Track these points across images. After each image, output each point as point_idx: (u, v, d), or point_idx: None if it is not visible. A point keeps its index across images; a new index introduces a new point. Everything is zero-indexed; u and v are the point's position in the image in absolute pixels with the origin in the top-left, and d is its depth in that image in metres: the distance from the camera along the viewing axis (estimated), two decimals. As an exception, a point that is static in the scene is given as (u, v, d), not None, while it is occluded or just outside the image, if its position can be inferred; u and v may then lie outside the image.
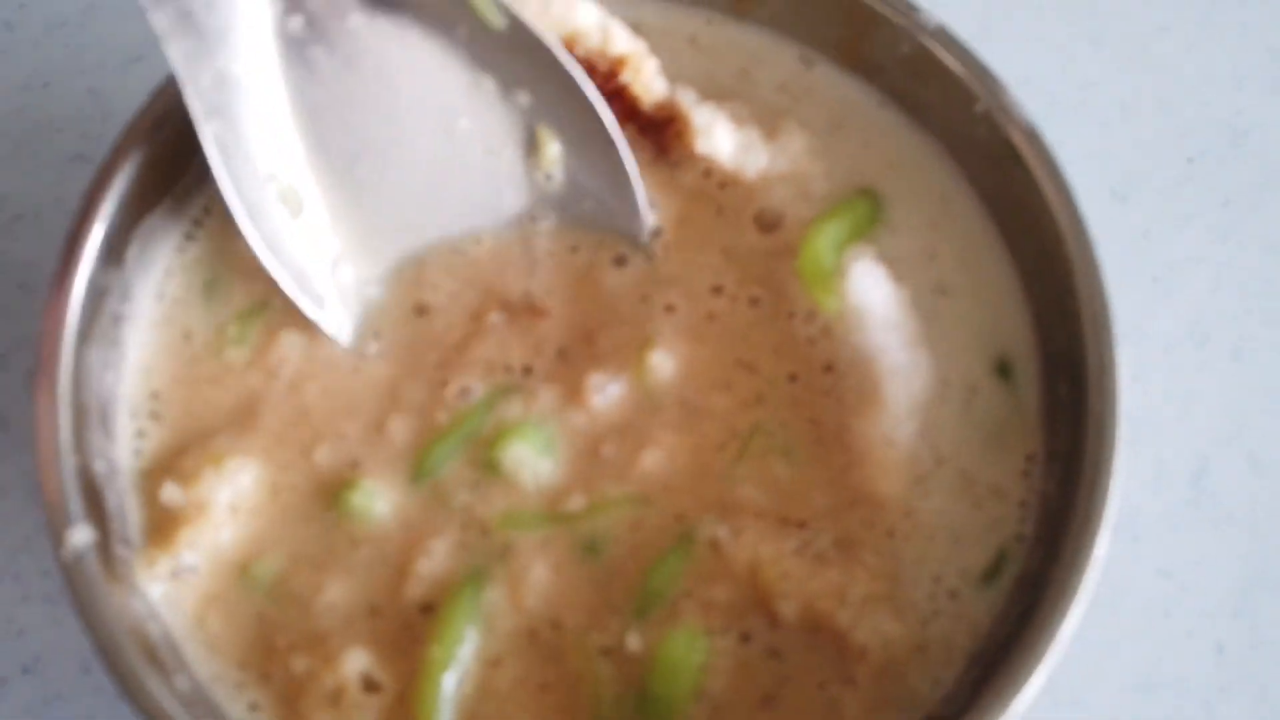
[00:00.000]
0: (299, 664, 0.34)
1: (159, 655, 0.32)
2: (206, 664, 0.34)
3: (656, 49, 0.41)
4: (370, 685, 0.34)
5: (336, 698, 0.33)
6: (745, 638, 0.35)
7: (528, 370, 0.38)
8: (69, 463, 0.33)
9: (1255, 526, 0.49)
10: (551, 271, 0.39)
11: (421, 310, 0.39)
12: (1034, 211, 0.36)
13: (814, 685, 0.34)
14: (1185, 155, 0.56)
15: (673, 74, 0.41)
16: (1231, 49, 0.58)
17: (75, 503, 0.32)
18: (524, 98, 0.37)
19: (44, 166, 0.55)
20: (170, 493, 0.35)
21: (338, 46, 0.36)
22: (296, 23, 0.36)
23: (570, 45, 0.37)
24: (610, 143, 0.37)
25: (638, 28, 0.42)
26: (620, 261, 0.39)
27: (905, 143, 0.40)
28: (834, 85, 0.41)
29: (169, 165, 0.38)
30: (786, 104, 0.41)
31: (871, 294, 0.36)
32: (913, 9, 0.38)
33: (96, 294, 0.36)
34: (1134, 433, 0.50)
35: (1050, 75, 0.58)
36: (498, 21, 0.36)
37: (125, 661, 0.30)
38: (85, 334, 0.35)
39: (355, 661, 0.34)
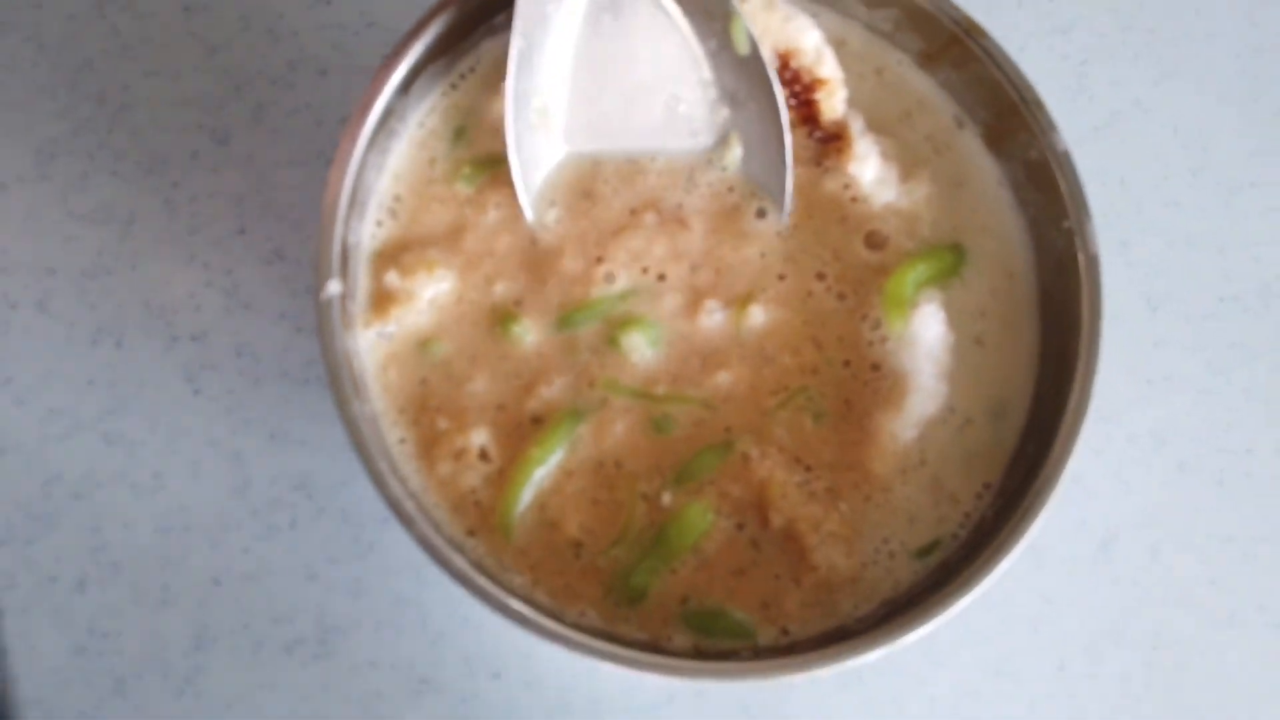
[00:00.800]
0: (441, 422, 0.46)
1: (356, 384, 0.44)
2: (379, 400, 0.46)
3: (849, 67, 0.50)
4: (484, 455, 0.46)
5: (460, 455, 0.46)
6: (740, 526, 0.46)
7: (662, 277, 0.48)
8: (339, 233, 0.44)
9: (1127, 597, 0.60)
10: (705, 199, 0.49)
11: (589, 194, 0.49)
12: (1071, 317, 0.46)
13: (772, 575, 0.45)
14: (1219, 294, 0.65)
15: (852, 92, 0.50)
16: (1299, 224, 0.66)
17: (335, 263, 0.44)
18: (726, 111, 0.47)
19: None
20: (392, 279, 0.46)
21: (623, 19, 0.45)
22: None
23: (788, 56, 0.47)
24: (784, 165, 0.47)
25: (841, 44, 0.51)
26: (761, 214, 0.49)
27: (1003, 220, 0.50)
28: (971, 152, 0.50)
29: (458, 30, 0.47)
30: (928, 154, 0.50)
31: (928, 330, 0.47)
32: (1053, 128, 0.47)
33: (386, 114, 0.46)
34: (1078, 491, 0.62)
35: (1146, 186, 0.66)
36: (744, 48, 0.45)
37: (341, 381, 0.42)
38: (370, 143, 0.46)
39: (479, 436, 0.46)
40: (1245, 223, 0.66)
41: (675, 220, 0.47)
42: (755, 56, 0.45)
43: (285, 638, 0.55)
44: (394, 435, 0.46)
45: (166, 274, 0.59)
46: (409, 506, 0.41)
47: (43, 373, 0.57)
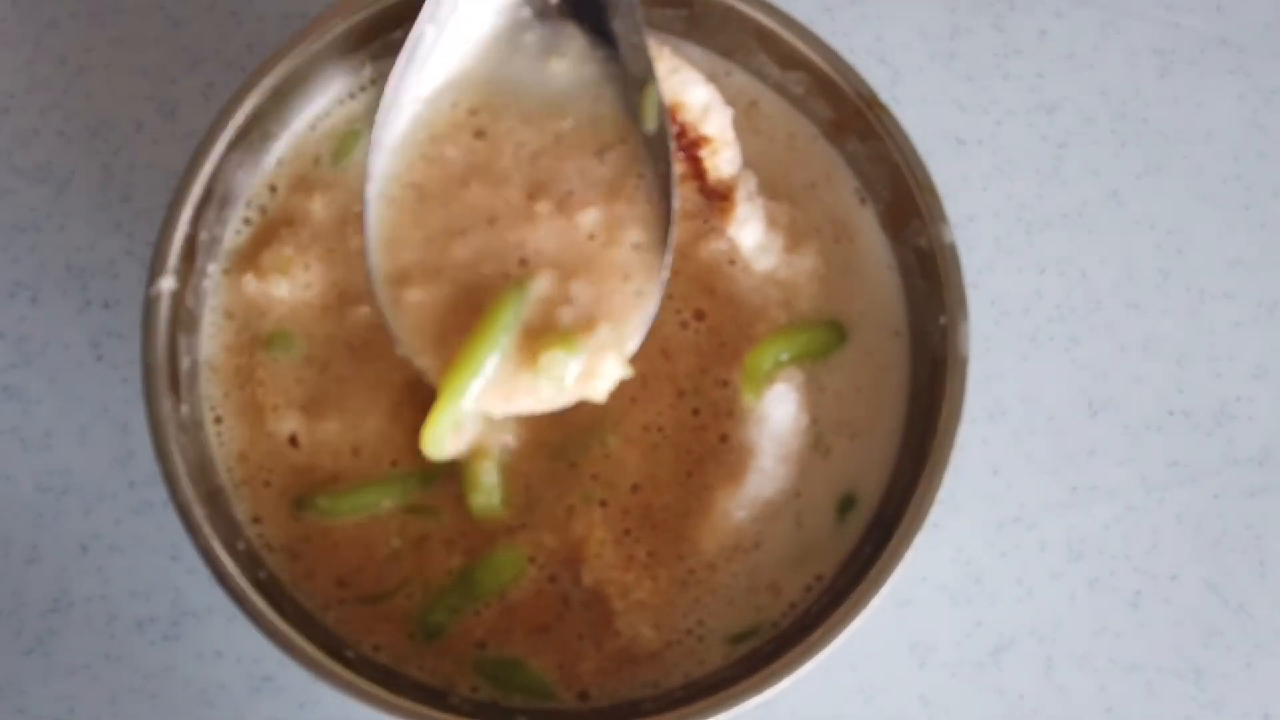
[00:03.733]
0: (260, 395, 0.45)
1: (179, 384, 0.44)
2: (206, 385, 0.45)
3: (759, 131, 0.48)
4: (293, 440, 0.45)
5: (270, 436, 0.45)
6: (552, 579, 0.45)
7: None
8: (182, 229, 0.44)
9: (1012, 712, 0.57)
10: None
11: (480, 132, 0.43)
12: (933, 419, 0.44)
13: (575, 634, 0.44)
14: (1168, 407, 0.60)
15: (759, 155, 0.48)
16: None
17: (174, 259, 0.44)
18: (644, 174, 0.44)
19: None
20: (250, 284, 0.46)
21: (545, 47, 0.43)
22: (527, 14, 0.44)
23: (675, 110, 0.45)
24: (669, 224, 0.42)
25: (754, 105, 0.49)
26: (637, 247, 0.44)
27: (887, 307, 0.47)
28: (867, 232, 0.48)
29: (358, 38, 0.47)
30: (824, 227, 0.48)
31: (777, 409, 0.45)
32: (943, 218, 0.45)
33: (254, 116, 0.46)
34: (976, 591, 0.59)
35: (1108, 283, 0.62)
36: (650, 123, 0.43)
37: (155, 380, 0.42)
38: (234, 143, 0.46)
39: (291, 421, 0.45)
40: (1210, 335, 0.63)
41: (564, 205, 0.42)
42: (661, 136, 0.42)
43: (139, 614, 0.55)
44: (210, 416, 0.45)
45: (91, 239, 0.60)
46: (198, 513, 0.41)
47: (-43, 319, 0.58)
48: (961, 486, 0.59)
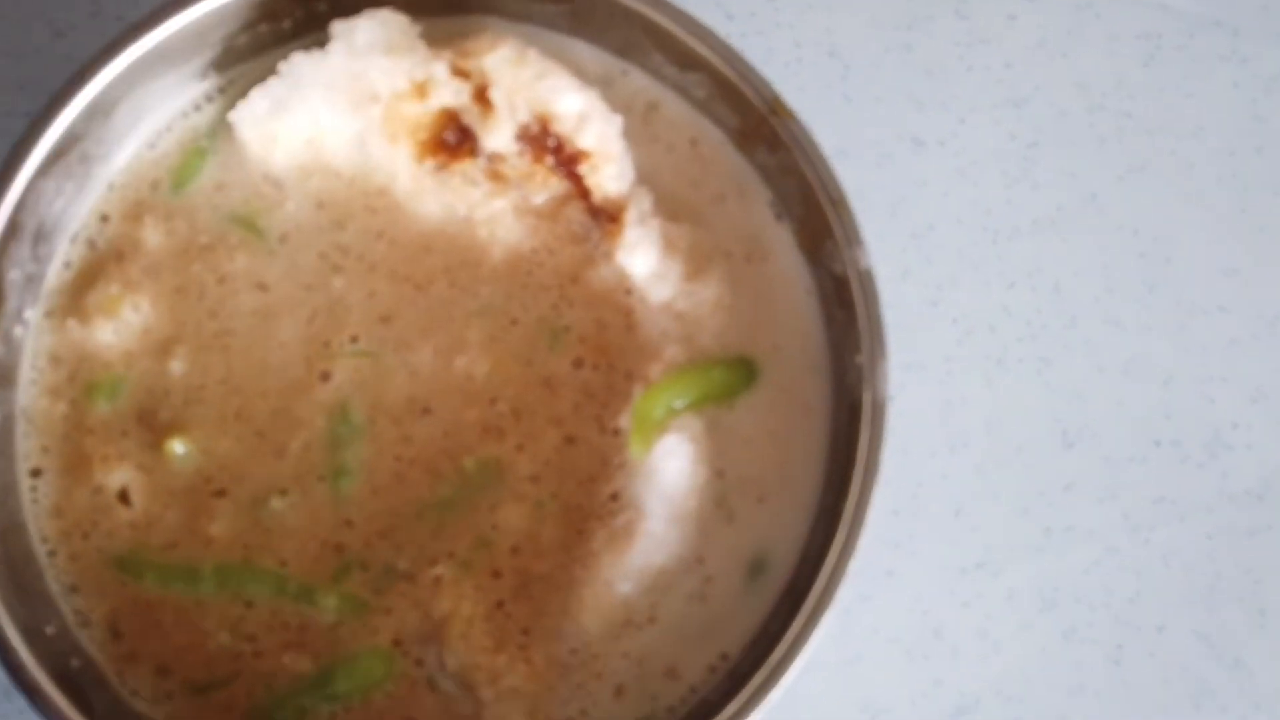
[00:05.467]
0: (89, 445, 0.41)
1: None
2: (23, 439, 0.41)
3: (659, 138, 0.43)
4: (123, 496, 0.41)
5: (98, 491, 0.41)
6: (419, 663, 0.40)
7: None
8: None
9: None
10: None
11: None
12: (849, 465, 0.39)
13: None
14: (1155, 437, 0.56)
15: (659, 165, 0.43)
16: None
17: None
18: None
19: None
20: (73, 329, 0.42)
21: None
22: None
23: (546, 121, 0.40)
24: None
25: (654, 109, 0.44)
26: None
27: (805, 339, 0.42)
28: (783, 252, 0.43)
29: (193, 42, 0.42)
30: (734, 248, 0.43)
31: (668, 462, 0.40)
32: (858, 240, 0.39)
33: (68, 137, 0.41)
34: (937, 646, 0.54)
35: (1086, 297, 0.57)
36: None
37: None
38: (45, 168, 0.41)
39: (122, 474, 0.41)
40: (1202, 354, 0.57)
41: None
42: None
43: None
44: (27, 465, 0.41)
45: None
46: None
47: None
48: (920, 528, 0.54)
